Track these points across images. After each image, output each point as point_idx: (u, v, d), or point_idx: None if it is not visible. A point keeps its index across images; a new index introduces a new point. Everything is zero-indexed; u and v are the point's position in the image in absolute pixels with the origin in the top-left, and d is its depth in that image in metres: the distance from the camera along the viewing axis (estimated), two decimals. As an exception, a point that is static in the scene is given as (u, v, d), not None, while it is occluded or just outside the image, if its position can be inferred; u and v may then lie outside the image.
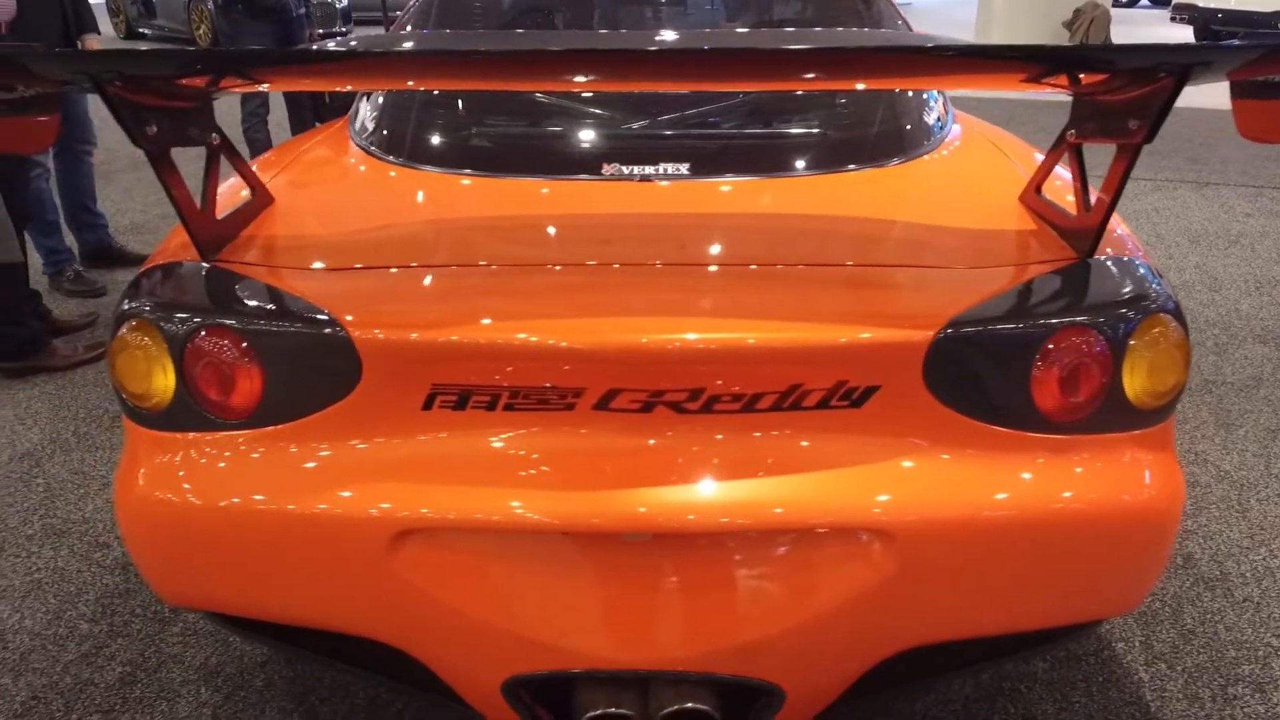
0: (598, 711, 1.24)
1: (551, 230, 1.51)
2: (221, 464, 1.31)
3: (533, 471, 1.22)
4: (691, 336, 1.16)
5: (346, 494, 1.24)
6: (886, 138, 1.79)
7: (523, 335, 1.18)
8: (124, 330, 1.34)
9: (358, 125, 1.94)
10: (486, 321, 1.20)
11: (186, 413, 1.33)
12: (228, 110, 4.61)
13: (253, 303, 1.31)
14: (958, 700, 1.74)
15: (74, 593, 2.05)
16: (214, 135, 1.44)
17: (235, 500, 1.28)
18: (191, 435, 1.34)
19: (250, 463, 1.30)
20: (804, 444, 1.22)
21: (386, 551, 1.23)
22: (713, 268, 1.35)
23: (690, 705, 1.23)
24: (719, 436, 1.22)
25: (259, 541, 1.29)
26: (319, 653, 1.50)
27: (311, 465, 1.27)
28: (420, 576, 1.24)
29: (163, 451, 1.36)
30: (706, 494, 1.19)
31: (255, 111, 4.78)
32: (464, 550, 1.24)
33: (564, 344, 1.17)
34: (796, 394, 1.20)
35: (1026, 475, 1.24)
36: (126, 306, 1.35)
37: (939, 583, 1.23)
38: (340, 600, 1.30)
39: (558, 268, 1.35)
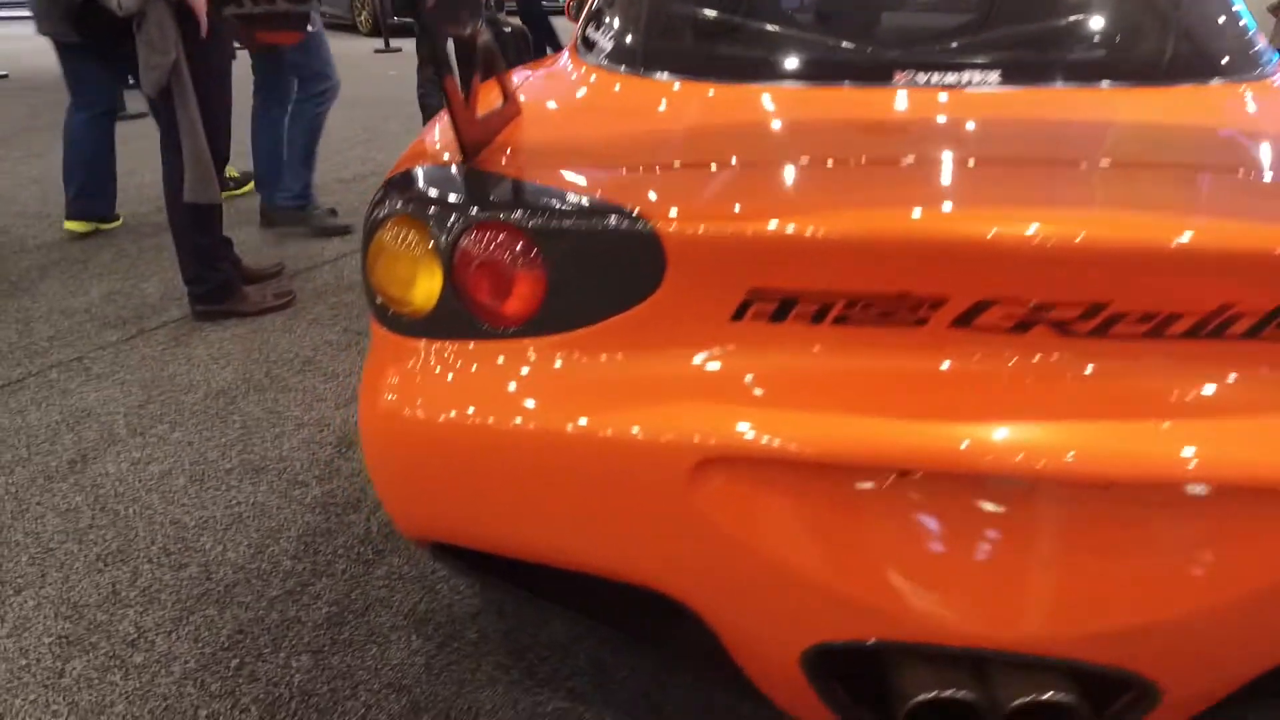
0: (928, 695, 1.02)
1: (874, 130, 1.30)
2: (490, 376, 1.16)
3: (869, 398, 1.01)
4: (1100, 233, 0.93)
5: (641, 413, 1.06)
6: (1219, 54, 1.53)
7: (877, 226, 0.97)
8: (385, 230, 1.20)
9: (596, 44, 1.78)
10: (825, 213, 1.00)
11: (453, 319, 1.18)
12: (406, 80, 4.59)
13: (536, 198, 1.14)
14: None
15: (275, 529, 1.96)
16: (480, 25, 1.30)
17: (504, 418, 1.12)
18: (457, 344, 1.19)
19: (524, 376, 1.14)
20: (1229, 381, 0.98)
21: (685, 483, 1.04)
22: (1098, 164, 1.11)
23: (1051, 696, 1.00)
24: (1116, 366, 0.99)
25: (529, 467, 1.12)
26: (566, 604, 1.33)
27: (598, 380, 1.10)
28: (722, 514, 1.05)
29: (421, 361, 1.21)
30: (1098, 437, 0.95)
31: (430, 79, 4.78)
32: (779, 487, 1.04)
33: (932, 236, 0.96)
34: (1223, 317, 0.96)
35: None
36: (387, 206, 1.21)
37: None
38: (620, 539, 1.11)
39: (903, 160, 1.14)
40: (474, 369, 1.16)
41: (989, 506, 1.00)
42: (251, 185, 4.29)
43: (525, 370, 1.14)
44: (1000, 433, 0.96)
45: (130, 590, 1.78)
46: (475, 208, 1.14)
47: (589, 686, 1.55)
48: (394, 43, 9.90)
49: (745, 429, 1.02)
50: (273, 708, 1.51)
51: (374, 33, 10.80)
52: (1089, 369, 0.99)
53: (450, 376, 1.18)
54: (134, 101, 6.84)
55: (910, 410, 0.99)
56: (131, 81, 7.20)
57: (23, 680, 1.57)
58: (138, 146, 5.69)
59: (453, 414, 1.16)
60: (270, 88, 3.76)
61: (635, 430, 1.05)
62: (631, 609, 1.23)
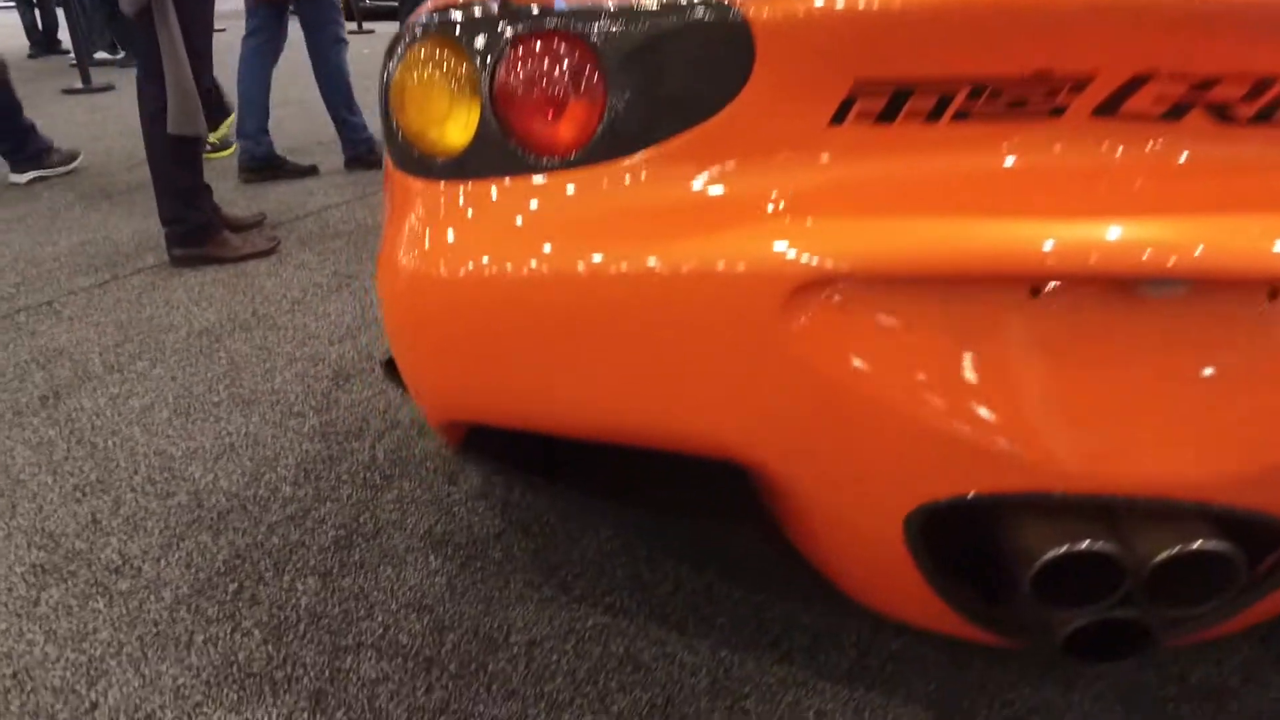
0: (1061, 550, 0.87)
1: None
2: (539, 217, 1.00)
3: (995, 204, 0.87)
4: None
5: (720, 241, 0.91)
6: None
7: None
8: (412, 57, 1.05)
9: None
10: None
11: (494, 153, 1.02)
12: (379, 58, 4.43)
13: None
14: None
15: (270, 457, 1.79)
16: None
17: (557, 263, 0.97)
18: (498, 183, 1.03)
19: (579, 212, 0.98)
20: None
21: (777, 319, 0.89)
22: None
23: (1202, 545, 0.86)
24: None
25: (588, 318, 0.97)
26: (609, 496, 1.18)
27: (667, 209, 0.95)
28: (819, 352, 0.89)
29: (456, 208, 1.05)
30: (1261, 235, 0.81)
31: None
32: (888, 315, 0.89)
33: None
34: None
35: None
36: (415, 31, 1.06)
37: None
38: (694, 396, 0.96)
39: None
40: (519, 210, 1.01)
41: (1131, 325, 0.86)
42: (234, 149, 4.10)
43: (581, 205, 0.99)
44: (1149, 231, 0.81)
45: (112, 519, 1.61)
46: (517, 18, 0.99)
47: (630, 601, 1.39)
48: (366, 25, 9.69)
49: (850, 246, 0.87)
50: (278, 630, 1.35)
51: (347, 17, 10.54)
52: (1251, 160, 0.85)
53: (491, 222, 1.02)
54: (102, 74, 6.64)
55: (1045, 213, 0.85)
56: (102, 55, 6.96)
57: (-7, 610, 1.39)
58: (106, 115, 5.48)
59: (496, 265, 1.00)
60: (266, 34, 3.60)
61: (715, 261, 0.90)
62: (682, 498, 1.08)
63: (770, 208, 0.91)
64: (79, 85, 6.17)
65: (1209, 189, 0.85)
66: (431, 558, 1.49)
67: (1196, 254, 0.80)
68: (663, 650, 1.30)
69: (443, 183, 1.06)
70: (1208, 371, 0.85)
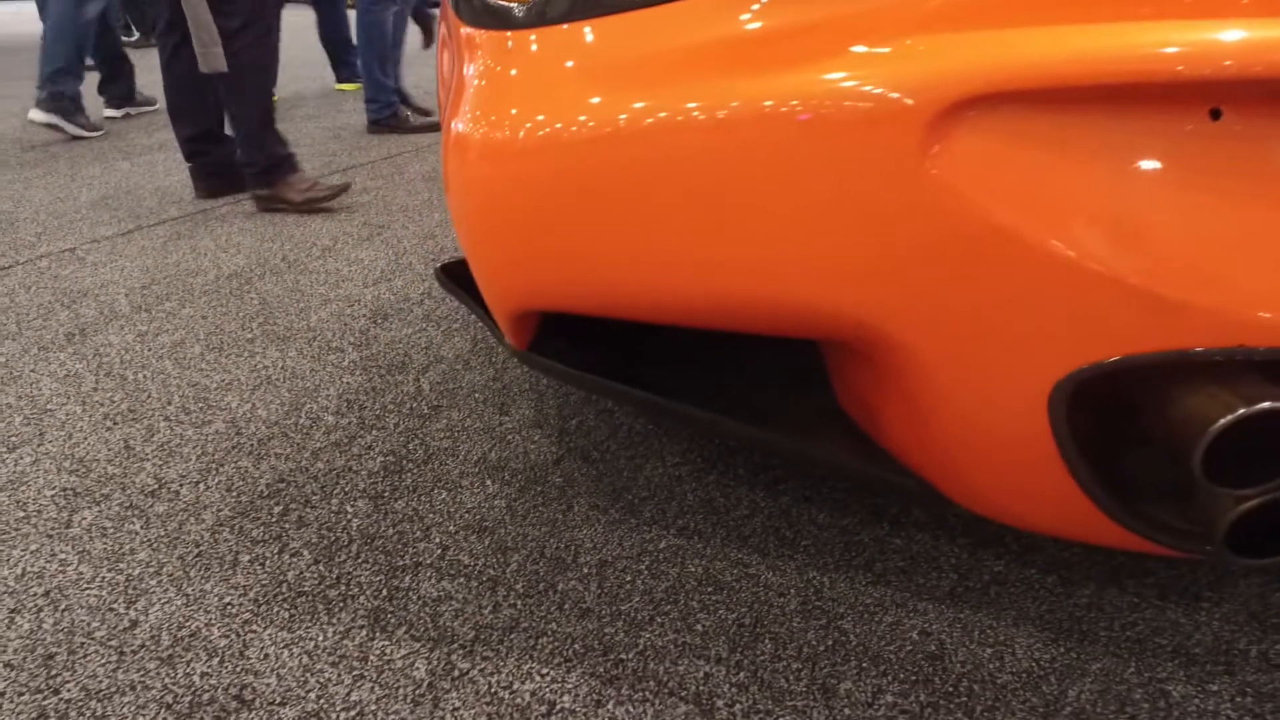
0: (1241, 412, 0.76)
1: None
2: (626, 57, 0.90)
3: (1165, 6, 0.76)
4: None
5: (845, 62, 0.81)
6: None
7: None
8: None
9: None
10: None
11: None
12: None
13: None
14: None
15: (310, 389, 1.70)
16: None
17: (651, 106, 0.87)
18: (583, 24, 0.94)
19: (674, 46, 0.89)
20: None
21: (915, 150, 0.78)
22: None
23: None
24: None
25: (688, 169, 0.87)
26: (687, 398, 1.09)
27: (785, 30, 0.84)
28: (965, 189, 0.79)
29: (540, 58, 0.96)
30: None
31: None
32: (1043, 141, 0.78)
33: None
34: None
35: None
36: None
37: None
38: (814, 257, 0.85)
39: None
40: (608, 51, 0.91)
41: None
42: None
43: (675, 37, 0.89)
44: None
45: (146, 446, 1.52)
46: None
47: (705, 524, 1.29)
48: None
49: (998, 57, 0.76)
50: (330, 550, 1.25)
51: None
52: None
53: (576, 67, 0.93)
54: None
55: (1225, 12, 0.74)
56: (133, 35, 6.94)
57: (22, 531, 1.30)
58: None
59: (578, 120, 0.91)
60: None
61: (838, 90, 0.80)
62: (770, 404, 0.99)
63: (903, 21, 0.81)
64: (93, 62, 6.09)
65: None
66: (488, 482, 1.40)
67: None
68: (745, 571, 1.20)
69: (517, 33, 0.97)
70: None
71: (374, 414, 1.60)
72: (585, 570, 1.20)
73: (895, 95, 0.79)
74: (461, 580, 1.19)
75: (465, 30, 1.07)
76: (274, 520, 1.32)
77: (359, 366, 1.78)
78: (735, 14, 0.87)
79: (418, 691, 1.02)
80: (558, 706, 1.00)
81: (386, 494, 1.37)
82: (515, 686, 1.02)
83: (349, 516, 1.32)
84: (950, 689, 1.01)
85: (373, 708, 1.00)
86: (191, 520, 1.32)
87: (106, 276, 2.29)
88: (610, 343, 1.27)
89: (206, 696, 1.01)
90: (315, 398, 1.66)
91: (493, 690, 1.02)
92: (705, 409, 1.11)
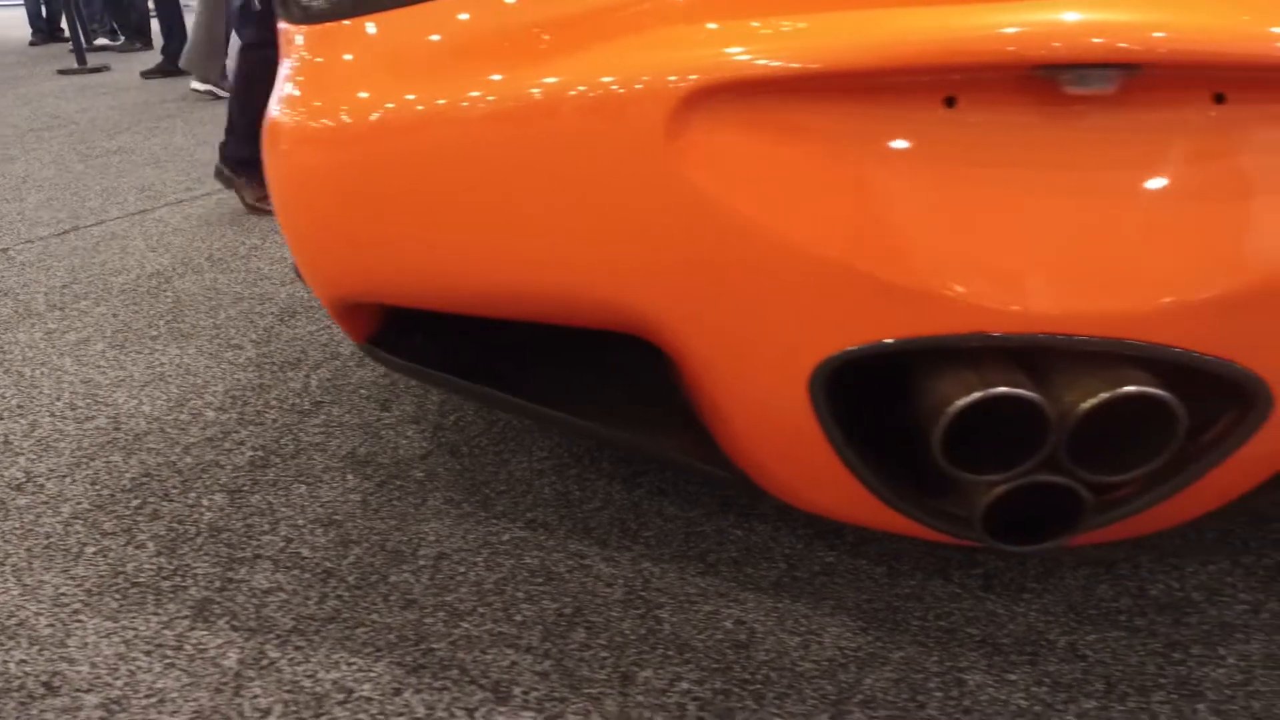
0: (974, 396, 0.77)
1: None
2: (406, 51, 0.92)
3: None
4: None
5: (595, 54, 0.82)
6: None
7: None
8: None
9: None
10: None
11: None
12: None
13: None
14: (1376, 541, 1.22)
15: (200, 385, 1.71)
16: None
17: (422, 100, 0.88)
18: (370, 18, 0.95)
19: (447, 42, 0.90)
20: None
21: (661, 139, 0.79)
22: None
23: (1134, 390, 0.76)
24: None
25: (457, 159, 0.88)
26: (521, 389, 1.10)
27: (541, 22, 0.86)
28: (709, 178, 0.80)
29: (330, 50, 0.98)
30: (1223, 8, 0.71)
31: None
32: (783, 130, 0.79)
33: None
34: None
35: None
36: None
37: None
38: (579, 247, 0.87)
39: None
40: (391, 44, 0.93)
41: (1056, 137, 0.76)
42: None
43: (447, 31, 0.90)
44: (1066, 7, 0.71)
45: (24, 440, 1.54)
46: None
47: (554, 518, 1.30)
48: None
49: (737, 47, 0.77)
50: (175, 543, 1.27)
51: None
52: None
53: (367, 60, 0.94)
54: (100, 58, 6.62)
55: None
56: (102, 41, 6.98)
57: (-118, 524, 1.32)
58: (96, 91, 5.47)
59: (363, 109, 0.92)
60: None
61: (587, 80, 0.81)
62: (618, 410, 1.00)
63: (646, 14, 0.82)
64: (75, 66, 6.14)
65: None
66: (349, 477, 1.41)
67: (1128, 32, 0.69)
68: (580, 563, 1.21)
69: (323, 26, 0.98)
70: (1146, 190, 0.75)
71: (255, 410, 1.62)
72: (421, 563, 1.22)
73: (637, 87, 0.80)
74: (296, 572, 1.20)
75: (280, 25, 1.08)
76: (129, 513, 1.33)
77: (253, 363, 1.80)
78: (493, 8, 0.88)
79: (222, 680, 1.03)
80: (355, 694, 1.01)
81: (246, 488, 1.39)
82: (319, 675, 1.03)
83: (203, 510, 1.34)
84: (748, 676, 1.02)
85: (174, 695, 1.01)
86: (49, 513, 1.34)
87: (31, 276, 2.32)
88: (470, 338, 1.29)
89: (16, 683, 1.03)
90: (202, 394, 1.68)
91: (295, 679, 1.03)
92: (546, 404, 1.12)
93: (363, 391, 1.67)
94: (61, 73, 6.12)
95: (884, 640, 1.07)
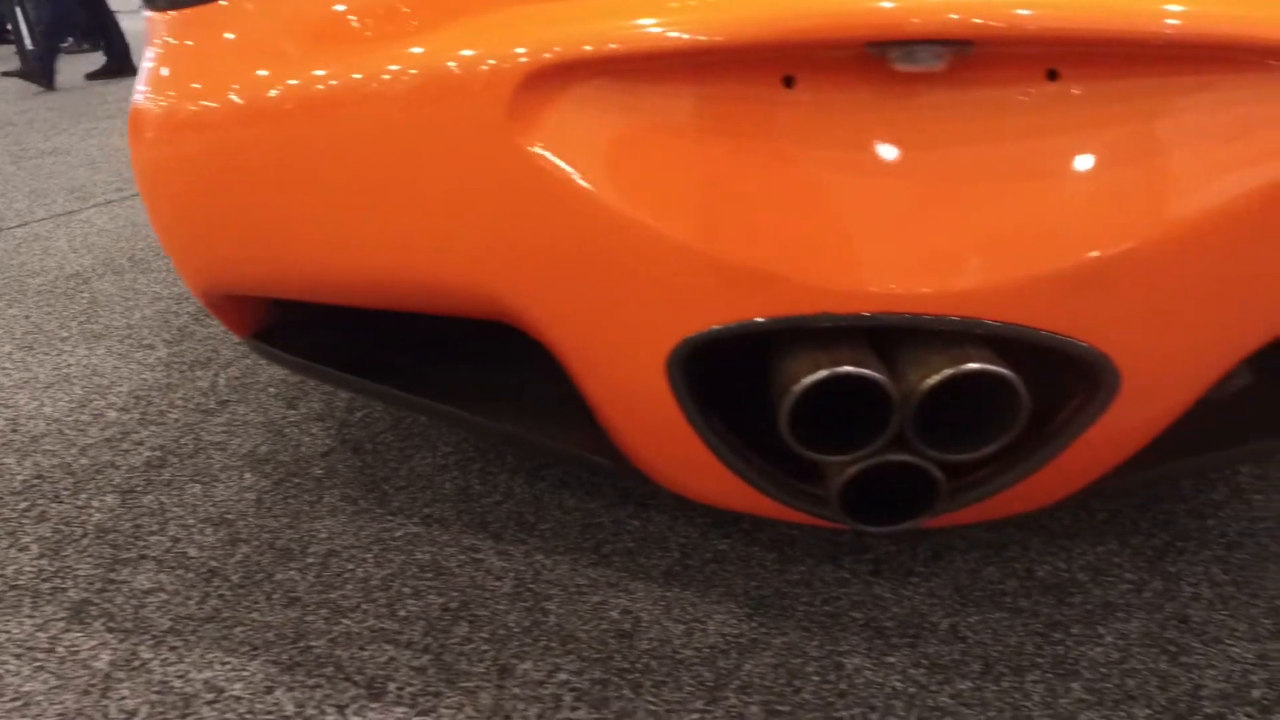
0: (816, 376, 0.77)
1: None
2: (249, 37, 0.90)
3: None
4: None
5: (437, 35, 0.81)
6: None
7: None
8: None
9: None
10: None
11: None
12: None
13: None
14: (1268, 518, 1.23)
15: (105, 386, 1.68)
16: None
17: (266, 87, 0.87)
18: (216, 3, 0.93)
19: (282, 27, 0.89)
20: None
21: (503, 120, 0.78)
22: None
23: (975, 368, 0.75)
24: None
25: (303, 145, 0.87)
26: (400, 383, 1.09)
27: (383, 2, 0.85)
28: (552, 160, 0.79)
29: (173, 38, 0.96)
30: None
31: None
32: (624, 110, 0.78)
33: None
34: None
35: None
36: None
37: None
38: (431, 230, 0.85)
39: None
40: (230, 32, 0.91)
41: (891, 114, 0.75)
42: None
43: (294, 15, 0.89)
44: None
45: (-84, 446, 1.50)
46: None
47: (451, 513, 1.29)
48: None
49: (579, 25, 0.76)
50: (59, 544, 1.24)
51: None
52: None
53: (205, 51, 0.93)
54: None
55: None
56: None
57: None
58: (37, 90, 5.40)
59: (210, 98, 0.90)
60: None
61: (429, 62, 0.80)
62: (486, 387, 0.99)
63: None
64: (17, 68, 6.03)
65: None
66: (247, 475, 1.39)
67: (954, 9, 0.68)
68: (472, 557, 1.20)
69: (177, 12, 0.97)
70: (983, 168, 0.75)
71: (159, 409, 1.59)
72: (310, 560, 1.20)
73: (480, 67, 0.79)
74: (180, 572, 1.18)
75: (144, 14, 1.06)
76: (15, 516, 1.30)
77: (163, 363, 1.77)
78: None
79: (91, 682, 1.01)
80: (226, 694, 0.99)
81: (139, 488, 1.36)
82: (190, 675, 1.01)
83: (92, 511, 1.31)
84: (628, 666, 1.01)
85: (40, 698, 0.99)
86: (-68, 518, 1.30)
87: (-56, 279, 2.27)
88: (369, 332, 1.27)
89: (-124, 692, 1.00)
90: (106, 394, 1.65)
91: (166, 680, 1.01)
92: (436, 399, 1.11)
93: (271, 389, 1.64)
94: (3, 74, 6.01)
95: (768, 626, 1.07)
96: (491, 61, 0.77)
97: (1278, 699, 0.96)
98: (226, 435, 1.50)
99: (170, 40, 0.98)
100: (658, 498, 1.31)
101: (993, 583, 1.13)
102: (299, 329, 1.24)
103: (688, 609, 1.10)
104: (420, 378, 1.16)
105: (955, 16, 0.68)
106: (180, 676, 1.01)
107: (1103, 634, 1.04)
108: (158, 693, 0.99)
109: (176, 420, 1.55)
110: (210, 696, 0.98)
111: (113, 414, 1.58)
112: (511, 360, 1.19)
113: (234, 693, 0.99)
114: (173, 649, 1.05)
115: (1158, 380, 0.81)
